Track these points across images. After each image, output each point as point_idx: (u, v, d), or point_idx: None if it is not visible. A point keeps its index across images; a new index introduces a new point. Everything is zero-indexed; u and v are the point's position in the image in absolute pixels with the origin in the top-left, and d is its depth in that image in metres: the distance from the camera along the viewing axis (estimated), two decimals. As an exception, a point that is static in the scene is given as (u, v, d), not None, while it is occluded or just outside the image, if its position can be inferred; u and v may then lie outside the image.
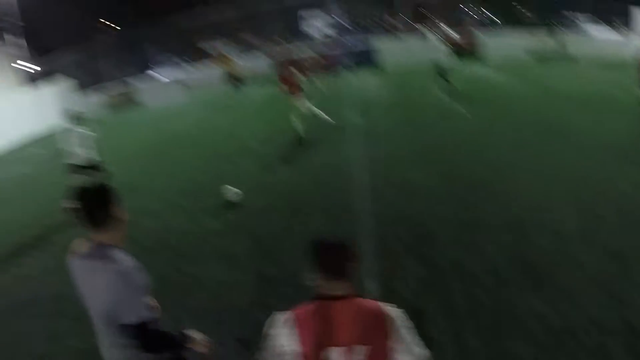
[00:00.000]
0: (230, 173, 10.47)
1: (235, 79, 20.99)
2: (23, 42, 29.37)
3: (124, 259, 2.48)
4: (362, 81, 19.91)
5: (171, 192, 9.98)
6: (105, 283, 2.42)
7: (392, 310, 2.15)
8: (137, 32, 28.80)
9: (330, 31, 32.40)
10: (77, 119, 9.55)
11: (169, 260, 6.87)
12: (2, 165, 17.87)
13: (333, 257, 2.16)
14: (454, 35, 22.74)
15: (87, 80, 31.04)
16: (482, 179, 8.04)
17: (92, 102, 26.83)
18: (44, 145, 20.80)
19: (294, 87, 11.88)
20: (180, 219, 8.41)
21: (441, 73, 14.54)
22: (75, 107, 11.49)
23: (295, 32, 40.98)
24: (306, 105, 11.94)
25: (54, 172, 14.78)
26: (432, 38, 14.78)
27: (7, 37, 28.49)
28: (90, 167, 9.30)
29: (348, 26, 37.40)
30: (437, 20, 29.75)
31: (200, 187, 9.87)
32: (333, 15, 28.75)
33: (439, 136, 10.77)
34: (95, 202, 2.55)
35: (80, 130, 9.36)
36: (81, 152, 9.28)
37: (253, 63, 24.72)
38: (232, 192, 8.79)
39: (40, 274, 7.11)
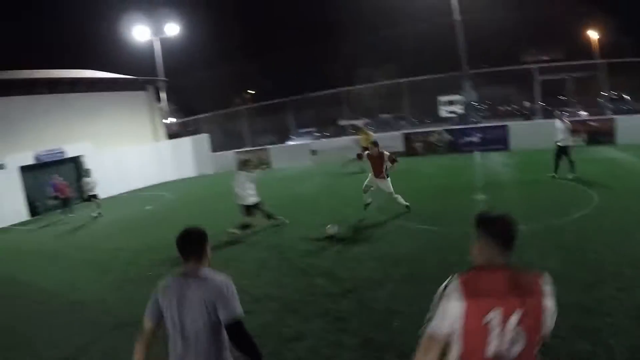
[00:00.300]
0: (347, 237, 10.58)
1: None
2: (168, 100, 32.39)
3: (216, 274, 3.35)
4: (490, 160, 19.50)
5: (287, 249, 10.28)
6: (202, 293, 3.21)
7: (545, 279, 2.52)
8: (277, 102, 30.56)
9: (463, 112, 32.38)
10: (244, 164, 11.98)
11: (274, 311, 7.03)
12: (134, 202, 19.94)
13: (507, 229, 2.58)
14: (589, 119, 21.76)
15: (224, 140, 33.30)
16: (607, 263, 7.30)
17: (226, 159, 28.77)
18: (170, 189, 22.91)
19: (379, 169, 11.79)
20: (293, 275, 8.60)
21: (568, 156, 13.96)
22: (244, 155, 12.85)
23: (429, 113, 41.69)
24: (386, 188, 11.86)
25: (171, 211, 16.22)
26: (565, 122, 14.14)
27: (161, 95, 31.60)
28: (255, 207, 11.54)
29: (481, 107, 37.27)
30: (573, 103, 28.69)
31: (316, 248, 10.03)
32: (468, 98, 28.68)
33: (563, 217, 10.03)
34: (191, 241, 3.45)
35: (249, 174, 11.58)
36: (248, 194, 11.42)
37: (389, 139, 25.34)
38: (334, 227, 10.50)
39: (142, 299, 7.46)
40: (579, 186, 12.87)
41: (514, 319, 2.35)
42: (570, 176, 13.75)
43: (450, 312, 2.41)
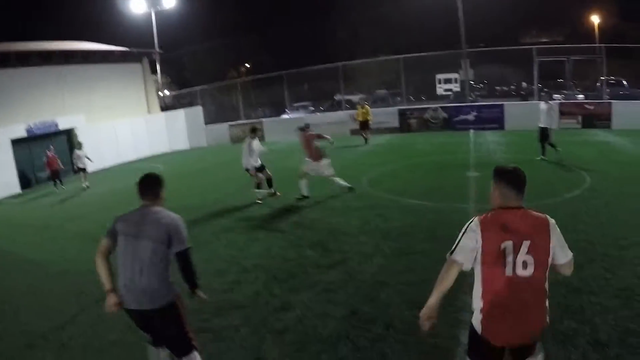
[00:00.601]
0: (339, 211, 10.61)
1: (363, 127, 22.24)
2: (163, 72, 32.17)
3: (169, 212, 4.07)
4: (484, 139, 19.70)
5: (278, 220, 10.38)
6: (158, 223, 3.91)
7: (550, 219, 3.10)
8: (273, 75, 30.38)
9: (460, 91, 32.31)
10: (253, 132, 12.40)
11: (263, 282, 7.05)
12: (126, 174, 20.28)
13: (520, 177, 3.16)
14: (586, 102, 21.92)
15: (218, 112, 33.16)
16: (596, 244, 7.35)
17: (218, 132, 28.78)
18: (163, 161, 22.99)
19: (315, 153, 11.74)
20: (283, 246, 8.63)
21: (548, 139, 14.11)
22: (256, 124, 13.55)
23: (426, 90, 41.54)
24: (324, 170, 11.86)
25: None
26: (549, 104, 14.17)
27: (156, 67, 31.40)
28: (262, 169, 12.32)
29: (478, 86, 37.15)
30: (570, 85, 28.60)
31: (307, 221, 10.11)
32: (465, 77, 28.57)
33: (555, 197, 10.05)
34: (149, 183, 4.21)
35: (255, 142, 12.12)
36: (250, 158, 12.00)
37: (384, 115, 25.37)
38: (261, 193, 12.10)
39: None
40: (571, 167, 12.94)
41: (524, 247, 2.95)
42: (555, 154, 13.84)
43: (469, 244, 3.05)
